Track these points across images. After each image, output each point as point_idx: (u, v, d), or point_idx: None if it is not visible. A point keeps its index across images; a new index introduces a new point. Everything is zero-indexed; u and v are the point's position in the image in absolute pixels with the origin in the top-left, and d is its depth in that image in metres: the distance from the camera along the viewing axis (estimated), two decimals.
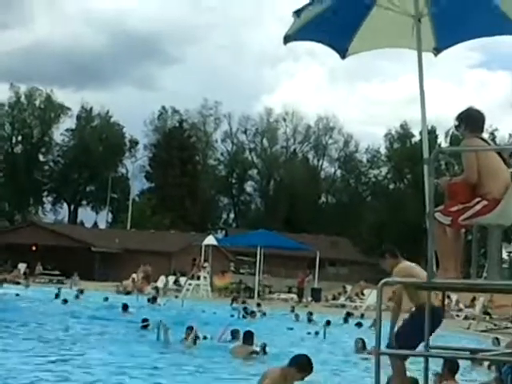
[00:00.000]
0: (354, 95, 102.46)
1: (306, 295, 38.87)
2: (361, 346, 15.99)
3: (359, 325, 23.03)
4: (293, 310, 28.11)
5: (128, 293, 34.20)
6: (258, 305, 28.67)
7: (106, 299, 28.73)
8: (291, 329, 22.12)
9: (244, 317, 24.37)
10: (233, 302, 30.44)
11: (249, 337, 14.37)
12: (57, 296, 28.87)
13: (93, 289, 34.76)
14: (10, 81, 79.69)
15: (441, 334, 17.52)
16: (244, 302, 29.77)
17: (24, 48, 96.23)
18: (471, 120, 6.00)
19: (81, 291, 31.76)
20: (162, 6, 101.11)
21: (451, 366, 9.87)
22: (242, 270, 45.55)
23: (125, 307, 23.35)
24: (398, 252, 8.09)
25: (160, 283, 40.29)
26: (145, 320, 18.73)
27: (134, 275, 39.10)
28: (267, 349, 14.22)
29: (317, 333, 20.03)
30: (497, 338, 16.97)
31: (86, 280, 40.58)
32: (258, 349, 14.13)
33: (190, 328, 15.89)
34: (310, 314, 25.56)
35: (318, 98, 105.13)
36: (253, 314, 24.71)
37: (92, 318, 21.71)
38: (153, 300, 29.16)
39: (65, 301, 26.52)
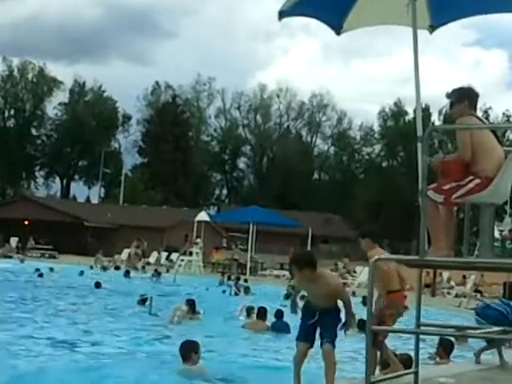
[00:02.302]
0: (348, 72, 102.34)
1: None
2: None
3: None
4: (289, 286, 27.82)
5: (117, 268, 34.02)
6: (245, 281, 28.46)
7: (82, 273, 28.81)
8: (284, 306, 22.05)
9: (236, 294, 24.24)
10: (223, 279, 30.04)
11: (263, 313, 14.62)
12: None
13: (87, 263, 34.54)
14: (3, 54, 79.48)
15: (432, 312, 17.59)
16: (238, 279, 29.57)
17: (17, 21, 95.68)
18: (465, 97, 5.96)
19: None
20: None
21: (446, 345, 9.93)
22: (234, 247, 45.58)
23: (97, 285, 23.07)
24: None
25: (152, 259, 40.34)
26: (143, 298, 18.42)
27: (129, 250, 38.99)
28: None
29: None
30: None
31: (78, 255, 40.52)
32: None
33: (190, 301, 15.79)
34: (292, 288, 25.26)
35: (312, 75, 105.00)
36: (246, 290, 24.57)
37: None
38: (126, 274, 29.36)
39: (40, 275, 26.44)
